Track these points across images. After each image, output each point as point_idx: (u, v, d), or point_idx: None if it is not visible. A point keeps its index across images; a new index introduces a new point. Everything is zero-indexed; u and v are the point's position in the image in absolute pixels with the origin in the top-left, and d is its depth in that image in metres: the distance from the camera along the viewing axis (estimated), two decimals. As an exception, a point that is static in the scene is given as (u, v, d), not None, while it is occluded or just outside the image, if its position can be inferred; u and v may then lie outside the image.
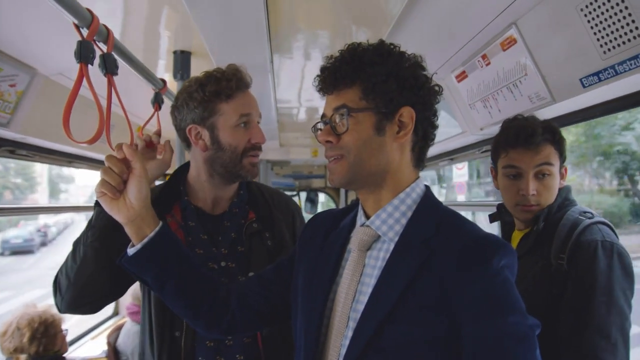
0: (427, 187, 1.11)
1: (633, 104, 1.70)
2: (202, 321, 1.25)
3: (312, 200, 6.83)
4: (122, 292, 1.48)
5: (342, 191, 5.59)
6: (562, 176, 1.71)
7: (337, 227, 1.20)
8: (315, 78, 1.10)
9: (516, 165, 1.68)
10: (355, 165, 1.04)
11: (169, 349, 1.46)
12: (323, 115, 1.10)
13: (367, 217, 1.10)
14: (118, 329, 3.37)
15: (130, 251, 1.15)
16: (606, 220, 1.57)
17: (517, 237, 1.78)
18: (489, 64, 2.14)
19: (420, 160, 1.11)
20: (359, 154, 1.04)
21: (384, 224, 1.05)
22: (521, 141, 1.66)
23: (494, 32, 1.97)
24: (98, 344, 3.60)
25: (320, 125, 1.10)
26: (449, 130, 3.03)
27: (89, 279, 1.34)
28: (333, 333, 1.04)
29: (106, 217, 1.31)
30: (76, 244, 1.39)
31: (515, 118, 1.77)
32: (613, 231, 1.55)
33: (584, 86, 1.66)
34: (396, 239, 1.04)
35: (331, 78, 1.06)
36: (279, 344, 1.51)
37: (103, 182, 1.12)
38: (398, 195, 1.06)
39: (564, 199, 1.68)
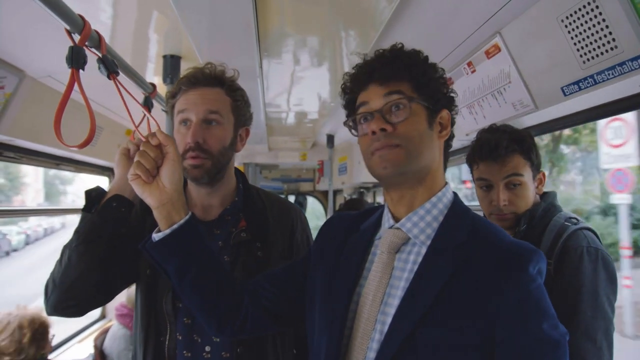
0: (455, 194, 1.13)
1: (612, 112, 1.75)
2: (215, 318, 1.24)
3: (300, 204, 6.85)
4: (109, 297, 1.46)
5: (330, 195, 5.59)
6: (540, 181, 1.75)
7: (357, 229, 1.20)
8: (356, 69, 1.13)
9: (485, 178, 1.73)
10: (412, 156, 1.03)
11: (154, 353, 1.46)
12: (362, 107, 1.10)
13: (395, 219, 1.10)
14: (105, 332, 3.35)
15: (156, 236, 1.15)
16: (591, 226, 1.61)
17: None
18: (474, 71, 2.18)
19: (445, 166, 1.14)
20: (416, 145, 1.04)
21: (415, 227, 1.06)
22: (486, 154, 1.71)
23: (479, 40, 2.00)
24: (84, 348, 3.58)
25: (368, 117, 1.08)
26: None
27: (74, 282, 1.34)
28: (358, 335, 1.04)
29: (91, 222, 1.37)
30: (64, 248, 1.39)
31: (489, 128, 1.81)
32: (597, 237, 1.59)
33: (565, 94, 1.70)
34: (428, 242, 1.04)
35: (384, 69, 1.06)
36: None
37: (138, 165, 1.14)
38: (430, 199, 1.07)
39: (549, 205, 1.72)
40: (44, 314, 2.45)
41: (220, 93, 1.48)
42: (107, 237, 1.37)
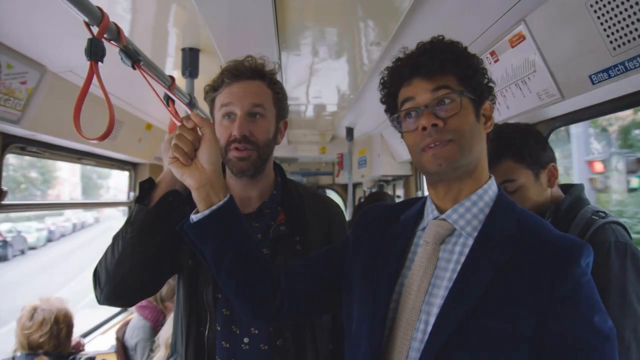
0: (500, 188, 1.12)
1: (643, 101, 1.69)
2: (252, 303, 1.23)
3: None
4: (158, 288, 1.51)
5: (350, 188, 5.57)
6: (552, 175, 1.69)
7: (397, 220, 1.19)
8: (397, 62, 1.11)
9: None
10: (465, 150, 1.02)
11: (195, 343, 1.47)
12: (407, 102, 1.08)
13: (439, 211, 1.09)
14: (126, 324, 3.39)
15: (195, 217, 1.15)
16: (619, 220, 1.56)
17: None
18: (497, 60, 2.13)
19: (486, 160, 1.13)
20: (468, 139, 1.03)
21: (461, 218, 1.05)
22: None
23: (503, 29, 1.96)
24: (107, 340, 3.64)
25: (412, 114, 1.07)
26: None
27: (127, 274, 1.36)
28: (402, 325, 1.03)
29: (146, 215, 1.38)
30: (115, 238, 1.41)
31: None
32: (627, 231, 1.54)
33: (593, 83, 1.64)
34: (475, 234, 1.03)
35: (430, 63, 1.04)
36: (291, 355, 1.47)
37: (176, 147, 1.15)
38: (476, 192, 1.06)
39: (576, 198, 1.67)
40: (69, 306, 2.49)
41: (262, 86, 1.48)
42: (161, 231, 1.38)
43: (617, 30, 1.44)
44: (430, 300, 1.01)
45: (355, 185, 6.67)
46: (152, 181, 1.46)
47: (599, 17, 1.48)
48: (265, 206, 1.53)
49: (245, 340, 1.44)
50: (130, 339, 3.25)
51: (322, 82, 3.34)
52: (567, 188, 1.74)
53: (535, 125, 2.39)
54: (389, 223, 1.20)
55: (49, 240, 19.07)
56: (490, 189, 1.08)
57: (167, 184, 1.43)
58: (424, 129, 1.02)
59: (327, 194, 7.13)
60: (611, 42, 1.48)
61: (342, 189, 6.98)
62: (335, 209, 1.67)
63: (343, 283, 1.22)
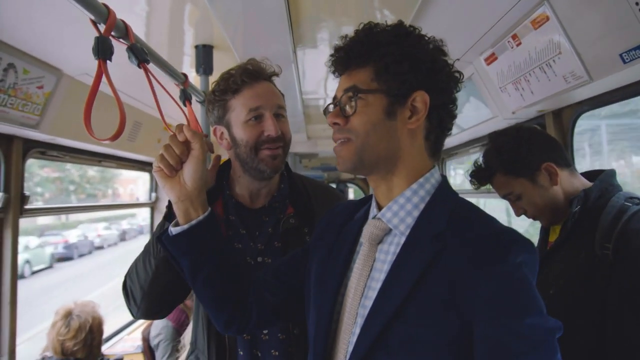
0: (444, 178, 1.06)
1: (678, 79, 1.61)
2: (224, 316, 1.24)
3: (341, 192, 6.81)
4: (187, 296, 1.59)
5: (371, 182, 5.51)
6: (550, 174, 1.67)
7: (352, 219, 1.16)
8: (328, 58, 1.07)
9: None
10: (362, 150, 1.00)
11: (216, 339, 1.51)
12: (334, 97, 1.06)
13: (380, 208, 1.05)
14: (151, 324, 3.43)
15: (174, 230, 1.16)
16: None
17: (556, 228, 1.72)
18: (519, 44, 2.05)
19: (436, 150, 1.05)
20: (367, 138, 0.99)
21: (395, 217, 1.01)
22: (481, 184, 1.83)
23: (525, 10, 1.88)
24: (134, 340, 3.68)
25: (331, 108, 1.07)
26: (478, 115, 2.94)
27: (164, 290, 1.43)
28: (342, 329, 1.01)
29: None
30: (145, 254, 1.44)
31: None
32: None
33: (624, 62, 1.56)
34: (408, 232, 0.99)
35: (344, 58, 1.02)
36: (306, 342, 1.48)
37: (162, 158, 1.15)
38: (410, 186, 1.01)
39: (607, 184, 1.60)
40: (101, 311, 2.51)
41: (274, 87, 1.56)
42: None
43: (650, 4, 1.36)
44: (365, 303, 0.98)
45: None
46: None
47: (629, -9, 1.40)
48: (274, 200, 1.57)
49: (265, 330, 1.48)
50: (153, 339, 3.29)
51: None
52: (595, 174, 1.67)
53: (561, 110, 2.32)
54: (345, 222, 1.17)
55: (121, 239, 20.53)
56: (428, 182, 1.02)
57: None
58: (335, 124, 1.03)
59: (349, 189, 7.10)
60: (643, 16, 1.40)
61: (363, 183, 6.94)
62: (340, 198, 1.72)
63: (305, 288, 1.20)
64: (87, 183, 18.96)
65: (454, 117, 1.05)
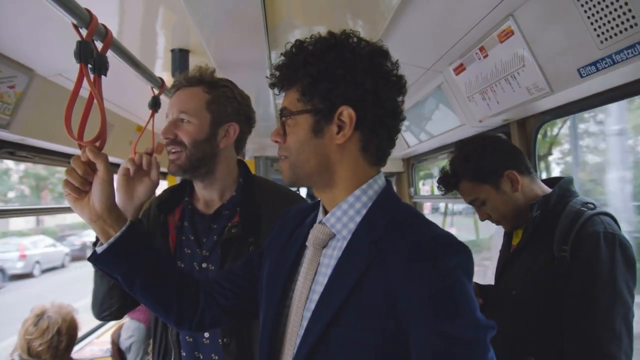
0: (388, 183, 1.08)
1: (631, 93, 1.71)
2: (172, 317, 1.25)
3: (312, 196, 6.84)
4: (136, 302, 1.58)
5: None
6: (512, 182, 1.74)
7: (302, 223, 1.17)
8: (268, 77, 1.09)
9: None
10: (295, 167, 1.04)
11: (160, 340, 1.59)
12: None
13: (325, 213, 1.07)
14: (120, 327, 3.39)
15: (98, 249, 1.15)
16: (609, 211, 1.58)
17: (519, 232, 1.81)
18: (486, 56, 2.14)
19: (379, 158, 1.06)
20: (297, 156, 1.03)
21: (338, 222, 1.03)
22: (447, 190, 1.90)
23: (491, 24, 1.97)
24: (102, 343, 3.62)
25: None
26: (447, 123, 3.03)
27: (103, 297, 1.53)
28: (288, 332, 1.03)
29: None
30: None
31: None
32: (615, 222, 1.56)
33: (581, 76, 1.66)
34: (349, 237, 1.01)
35: (275, 80, 1.06)
36: (246, 349, 1.50)
37: (66, 183, 1.13)
38: (353, 193, 1.03)
39: (565, 190, 1.69)
40: (77, 314, 2.47)
41: (197, 91, 1.53)
42: None
43: (604, 24, 1.45)
44: (310, 306, 1.00)
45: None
46: None
47: (585, 12, 1.49)
48: (224, 208, 1.57)
49: (206, 335, 1.51)
50: (125, 341, 3.25)
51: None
52: (554, 181, 1.76)
53: (525, 119, 2.42)
54: (296, 226, 1.18)
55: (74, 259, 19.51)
56: (371, 188, 1.04)
57: None
58: None
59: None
60: (598, 35, 1.49)
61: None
62: (295, 203, 1.65)
63: (258, 291, 1.22)
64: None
65: (392, 125, 1.05)
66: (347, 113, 0.98)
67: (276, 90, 1.08)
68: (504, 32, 1.92)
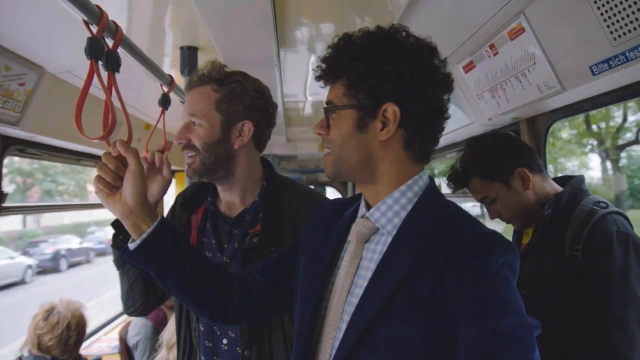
0: (432, 180, 1.08)
1: (644, 91, 1.69)
2: (206, 310, 1.27)
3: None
4: (163, 296, 1.69)
5: (350, 185, 5.58)
6: (523, 179, 1.73)
7: (340, 217, 1.18)
8: (314, 69, 1.09)
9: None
10: (339, 161, 1.05)
11: (184, 340, 1.58)
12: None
13: (369, 208, 1.07)
14: (128, 324, 3.40)
15: (131, 246, 1.16)
16: (621, 211, 1.56)
17: (529, 231, 1.79)
18: (496, 53, 2.12)
19: (421, 155, 1.06)
20: (341, 150, 1.03)
21: (383, 217, 1.03)
22: (457, 188, 1.89)
23: (502, 22, 1.95)
24: (110, 340, 3.64)
25: None
26: (456, 121, 3.01)
27: (126, 295, 1.64)
28: (327, 325, 1.03)
29: (116, 254, 1.58)
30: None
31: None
32: (628, 221, 1.54)
33: (593, 74, 1.64)
34: (394, 232, 1.01)
35: (321, 72, 1.06)
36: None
37: (99, 178, 1.13)
38: (399, 188, 1.03)
39: (576, 189, 1.68)
40: (85, 310, 2.50)
41: (206, 91, 1.47)
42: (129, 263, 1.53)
43: (617, 21, 1.43)
44: (351, 300, 1.00)
45: (355, 182, 6.64)
46: None
47: (598, 8, 1.47)
48: (246, 213, 1.52)
49: (224, 341, 1.48)
50: (132, 338, 3.27)
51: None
52: (566, 180, 1.75)
53: (535, 118, 2.40)
54: (333, 221, 1.19)
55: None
56: (416, 184, 1.04)
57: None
58: None
59: (327, 191, 7.13)
60: (611, 32, 1.47)
61: (341, 185, 6.97)
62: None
63: (293, 285, 1.22)
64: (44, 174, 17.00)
65: (436, 123, 1.05)
66: (391, 110, 0.98)
67: (322, 83, 1.07)
68: (514, 29, 1.90)
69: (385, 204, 1.03)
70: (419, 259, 0.94)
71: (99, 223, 18.28)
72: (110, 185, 1.13)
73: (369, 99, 0.99)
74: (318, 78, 1.07)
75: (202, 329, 1.51)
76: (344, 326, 0.99)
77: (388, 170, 1.04)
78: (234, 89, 1.47)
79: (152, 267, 1.18)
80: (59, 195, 17.17)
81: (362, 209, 1.09)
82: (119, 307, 1.81)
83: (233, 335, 1.47)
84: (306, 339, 1.05)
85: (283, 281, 1.25)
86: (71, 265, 15.75)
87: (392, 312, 0.93)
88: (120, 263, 1.60)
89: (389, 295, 0.93)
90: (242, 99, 1.47)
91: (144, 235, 1.14)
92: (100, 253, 17.01)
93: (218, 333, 1.49)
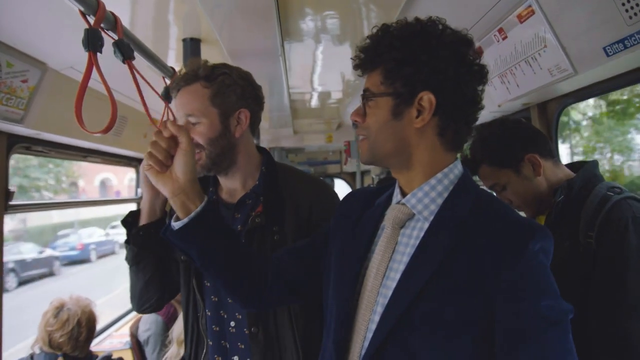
0: (466, 170, 1.12)
1: (660, 72, 1.64)
2: (240, 296, 1.30)
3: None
4: (175, 290, 1.69)
5: (358, 176, 5.55)
6: (533, 165, 1.69)
7: (371, 204, 1.22)
8: (352, 59, 1.12)
9: None
10: (374, 147, 1.08)
11: (192, 328, 1.62)
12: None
13: (404, 195, 1.11)
14: (139, 319, 3.41)
15: (176, 224, 1.17)
16: (637, 196, 1.52)
17: (541, 219, 1.75)
18: (505, 37, 2.08)
19: (455, 143, 1.09)
20: (377, 137, 1.07)
21: (419, 203, 1.07)
22: None
23: (511, 4, 1.90)
24: (122, 336, 3.65)
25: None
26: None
27: (141, 292, 1.63)
28: (362, 308, 1.06)
29: (131, 251, 1.60)
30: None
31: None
32: None
33: (607, 55, 1.59)
34: (431, 218, 1.05)
35: (359, 61, 1.09)
36: (273, 339, 1.52)
37: (151, 155, 1.16)
38: (435, 176, 1.07)
39: (590, 174, 1.63)
40: (94, 307, 2.50)
41: (196, 89, 1.49)
42: (151, 256, 1.59)
43: (633, -2, 1.38)
44: (387, 284, 1.04)
45: (364, 173, 6.64)
46: (134, 214, 1.63)
47: (612, -14, 1.43)
48: (247, 197, 1.57)
49: (232, 324, 1.53)
50: (143, 333, 3.27)
51: (326, 70, 3.31)
52: (579, 166, 1.71)
53: (546, 103, 2.35)
54: (365, 208, 1.23)
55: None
56: (452, 172, 1.08)
57: (146, 216, 1.60)
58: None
59: (335, 183, 7.12)
60: (626, 10, 1.42)
61: (350, 177, 6.96)
62: (319, 191, 1.65)
63: (324, 269, 1.26)
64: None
65: (471, 112, 1.08)
66: (427, 98, 1.02)
67: (359, 72, 1.11)
68: (524, 12, 1.86)
69: (421, 191, 1.07)
70: (458, 242, 0.98)
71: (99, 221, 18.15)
72: (161, 164, 1.17)
73: (406, 87, 1.03)
74: (356, 67, 1.11)
75: (209, 314, 1.56)
76: (379, 309, 1.03)
77: (422, 157, 1.07)
78: (224, 82, 1.50)
79: (196, 247, 1.20)
80: (36, 191, 16.23)
81: (397, 196, 1.13)
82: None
83: (240, 317, 1.52)
84: (343, 321, 1.08)
85: (313, 264, 1.29)
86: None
87: (431, 294, 0.96)
88: (136, 260, 1.60)
89: (428, 278, 0.96)
90: (234, 89, 1.51)
91: (192, 214, 1.16)
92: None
93: (225, 316, 1.54)
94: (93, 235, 17.58)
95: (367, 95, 1.07)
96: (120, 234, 16.11)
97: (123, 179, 21.79)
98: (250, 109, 1.54)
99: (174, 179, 1.16)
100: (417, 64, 1.01)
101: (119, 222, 1.72)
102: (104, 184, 21.64)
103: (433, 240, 1.01)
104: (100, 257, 17.09)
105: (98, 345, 3.44)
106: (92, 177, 20.51)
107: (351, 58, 1.12)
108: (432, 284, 0.96)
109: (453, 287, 0.95)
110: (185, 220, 1.16)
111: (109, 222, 18.28)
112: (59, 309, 2.36)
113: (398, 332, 0.97)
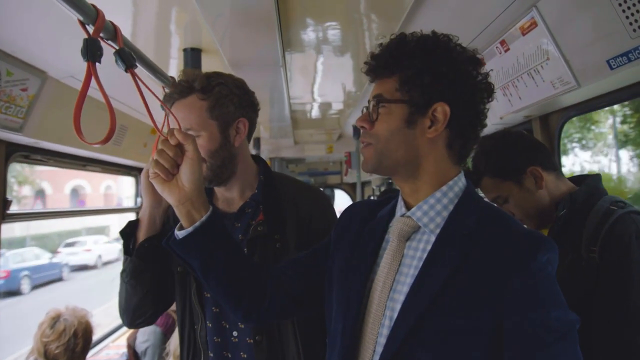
0: (469, 183, 1.12)
1: (664, 86, 1.63)
2: (241, 309, 1.27)
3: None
4: (169, 304, 1.67)
5: (358, 187, 5.54)
6: (536, 178, 1.68)
7: (374, 217, 1.21)
8: (364, 64, 1.12)
9: None
10: (382, 154, 1.07)
11: (189, 341, 1.59)
12: (368, 101, 1.11)
13: (408, 207, 1.10)
14: (137, 330, 3.38)
15: (180, 234, 1.17)
16: None
17: (544, 232, 1.73)
18: (508, 50, 2.07)
19: (461, 157, 1.10)
20: (386, 144, 1.06)
21: (425, 216, 1.06)
22: None
23: (513, 17, 1.90)
24: (119, 347, 3.62)
25: (364, 110, 1.13)
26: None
27: (136, 306, 1.58)
28: (370, 321, 1.05)
29: (132, 263, 1.55)
30: (120, 278, 1.58)
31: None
32: None
33: (611, 68, 1.58)
34: (437, 231, 1.05)
35: (374, 67, 1.09)
36: (277, 347, 1.51)
37: (157, 164, 1.15)
38: (440, 189, 1.07)
39: (593, 188, 1.62)
40: (91, 318, 2.47)
41: (193, 102, 1.46)
42: (152, 268, 1.55)
43: (637, 11, 1.38)
44: (394, 297, 1.04)
45: (364, 184, 6.62)
46: (132, 224, 1.59)
47: (616, -1, 1.42)
48: (246, 206, 1.56)
49: (234, 334, 1.52)
50: (141, 344, 3.25)
51: (327, 80, 3.30)
52: (582, 179, 1.69)
53: (548, 116, 2.34)
54: (367, 220, 1.22)
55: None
56: (457, 185, 1.09)
57: (146, 226, 1.57)
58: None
59: (335, 193, 7.10)
60: (630, 23, 1.42)
61: (350, 188, 6.95)
62: (317, 200, 1.65)
63: (325, 282, 1.24)
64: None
65: (478, 127, 1.09)
66: (442, 109, 1.03)
67: (370, 77, 1.11)
68: (526, 24, 1.86)
69: (427, 204, 1.07)
70: (466, 255, 0.98)
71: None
72: (168, 172, 1.16)
73: (423, 97, 1.03)
74: (369, 72, 1.11)
75: (210, 325, 1.54)
76: (387, 322, 1.02)
77: (430, 168, 1.07)
78: (221, 92, 1.48)
79: (199, 257, 1.18)
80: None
81: (401, 208, 1.12)
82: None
83: (243, 326, 1.50)
84: (351, 335, 1.06)
85: (314, 277, 1.28)
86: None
87: (441, 307, 0.96)
88: (135, 272, 1.56)
89: (437, 291, 0.96)
90: (232, 99, 1.49)
91: (197, 223, 1.16)
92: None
93: (227, 327, 1.52)
94: (27, 258, 13.38)
95: (379, 101, 1.06)
96: (74, 254, 14.93)
97: (98, 187, 21.46)
98: (248, 117, 1.54)
99: (180, 187, 1.15)
100: (436, 75, 1.02)
101: (76, 239, 1.70)
102: (76, 192, 20.65)
103: (440, 253, 1.01)
104: (37, 286, 13.06)
105: (94, 357, 3.41)
106: (62, 184, 19.61)
107: (365, 62, 1.11)
108: (441, 297, 0.96)
109: (462, 299, 0.95)
110: (190, 229, 1.15)
111: (68, 237, 16.18)
112: (55, 319, 2.33)
113: (408, 346, 0.97)
